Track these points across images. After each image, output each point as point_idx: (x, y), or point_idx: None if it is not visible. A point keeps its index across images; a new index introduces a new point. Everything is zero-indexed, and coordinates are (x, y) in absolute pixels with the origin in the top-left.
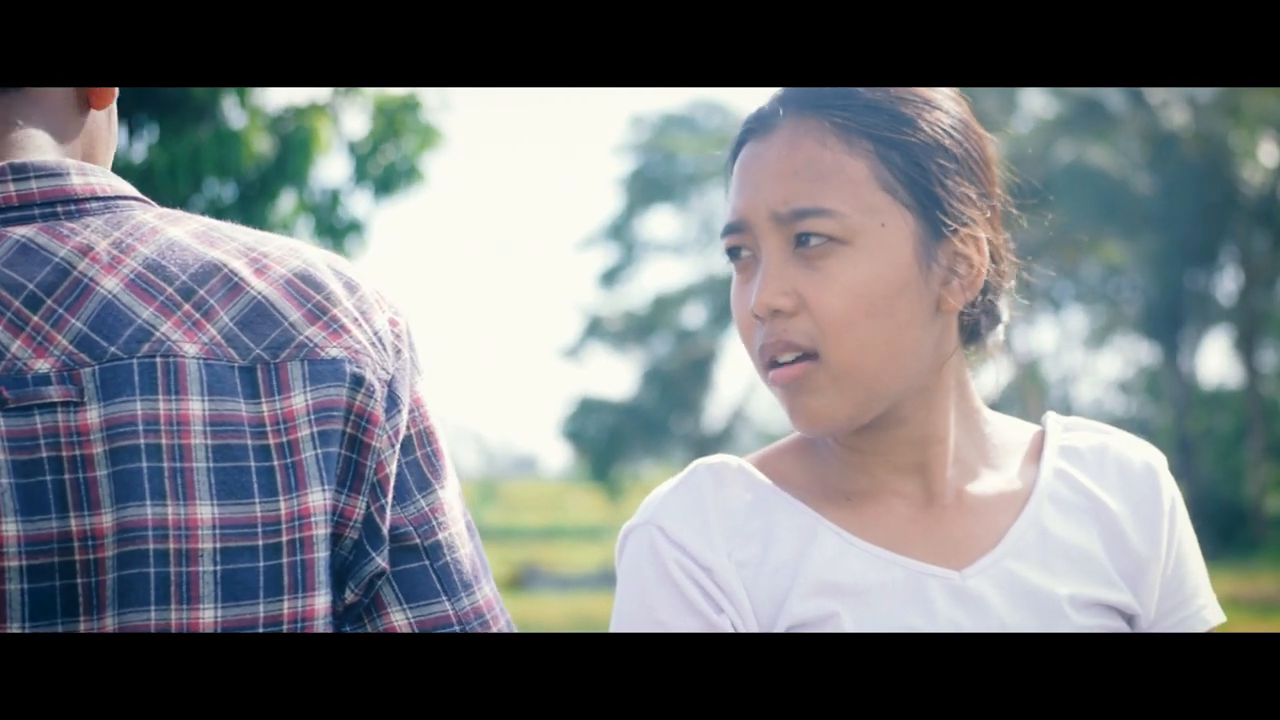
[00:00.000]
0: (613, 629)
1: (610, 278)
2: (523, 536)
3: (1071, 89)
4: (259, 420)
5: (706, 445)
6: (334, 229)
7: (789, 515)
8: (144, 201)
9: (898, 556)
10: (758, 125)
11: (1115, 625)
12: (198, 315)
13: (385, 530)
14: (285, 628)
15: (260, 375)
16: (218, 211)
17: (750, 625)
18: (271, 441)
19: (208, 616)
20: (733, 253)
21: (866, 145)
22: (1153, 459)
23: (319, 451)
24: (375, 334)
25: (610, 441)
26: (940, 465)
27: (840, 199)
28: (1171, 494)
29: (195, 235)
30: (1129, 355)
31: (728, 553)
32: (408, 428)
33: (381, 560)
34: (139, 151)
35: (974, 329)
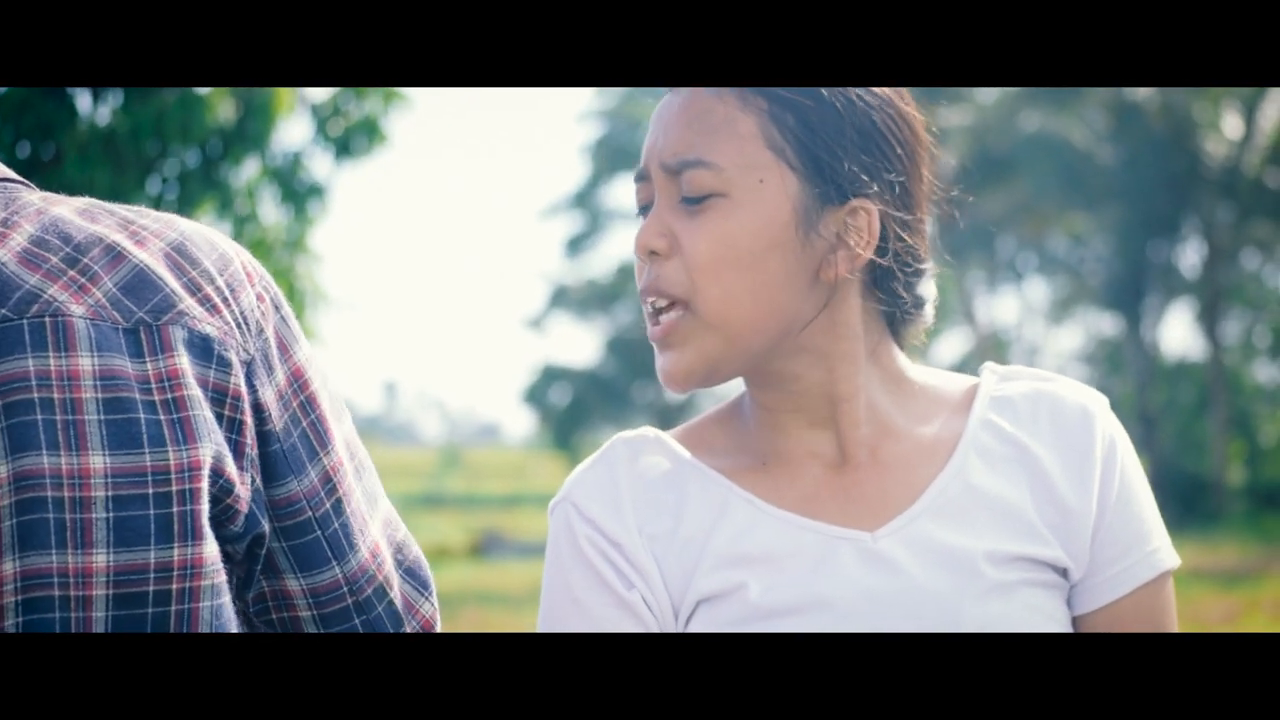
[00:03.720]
0: (541, 602)
1: (575, 246)
2: (485, 504)
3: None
4: (145, 378)
5: (669, 414)
6: (295, 192)
7: (702, 486)
8: (28, 185)
9: (809, 521)
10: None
11: (1041, 579)
12: (83, 280)
13: (266, 498)
14: (175, 574)
15: (144, 336)
16: (183, 176)
17: (661, 600)
18: (157, 398)
19: (101, 560)
20: (643, 210)
21: (761, 103)
22: (1090, 402)
23: (205, 411)
24: (241, 314)
25: (573, 409)
26: (850, 423)
27: (723, 153)
28: (1108, 437)
29: (77, 212)
30: (1091, 327)
31: (638, 527)
32: (289, 403)
33: (267, 525)
34: (103, 116)
35: (890, 308)
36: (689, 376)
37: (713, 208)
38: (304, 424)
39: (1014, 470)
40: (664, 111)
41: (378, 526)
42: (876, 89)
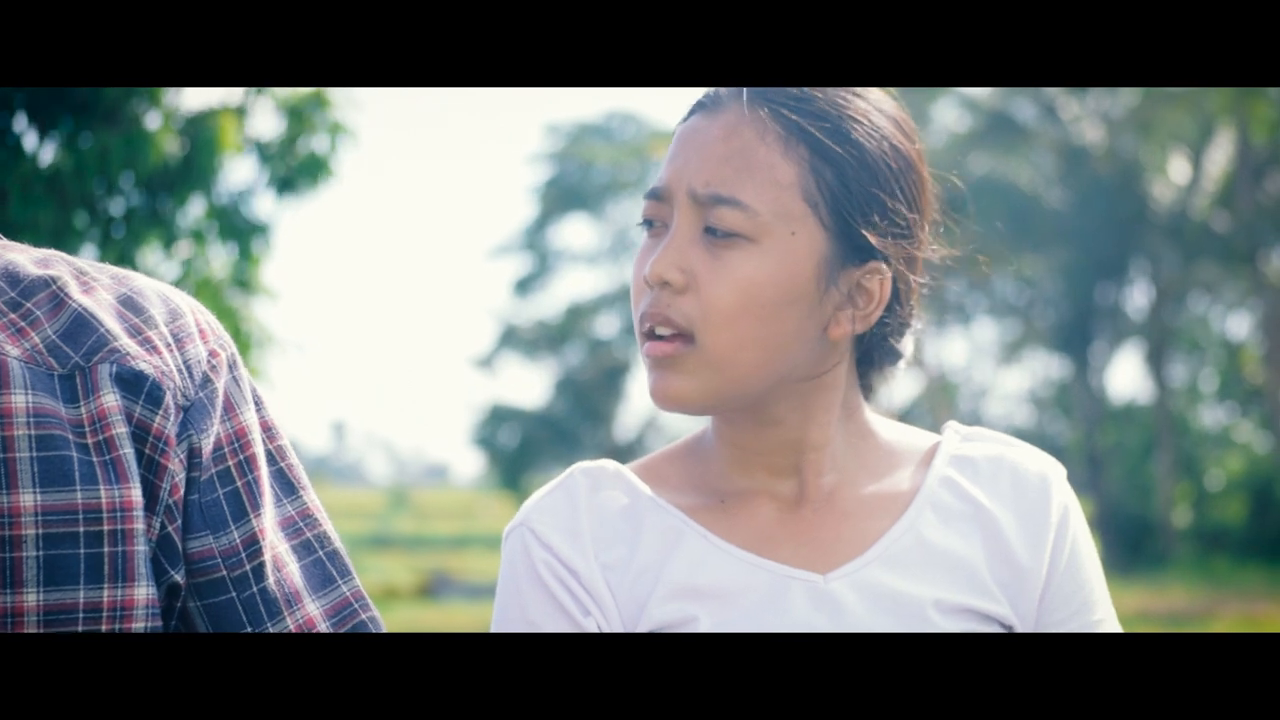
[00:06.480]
0: (492, 626)
1: (524, 286)
2: (433, 545)
3: (984, 102)
4: (78, 422)
5: (618, 455)
6: (239, 230)
7: (658, 519)
8: None
9: (762, 560)
10: (710, 101)
11: (985, 630)
12: (23, 324)
13: (181, 549)
14: (105, 615)
15: (78, 381)
16: (128, 214)
17: (615, 628)
18: (90, 440)
19: (31, 600)
20: (647, 223)
21: (803, 152)
22: (1049, 470)
23: (134, 449)
24: (184, 362)
25: (522, 450)
26: (814, 471)
27: (759, 196)
28: (1064, 505)
29: (33, 260)
30: (1039, 369)
31: (595, 555)
32: (224, 459)
33: (179, 577)
34: (49, 152)
35: (868, 360)
36: (683, 404)
37: (739, 249)
38: (237, 483)
39: (969, 527)
40: (699, 135)
41: (320, 605)
42: (902, 144)
